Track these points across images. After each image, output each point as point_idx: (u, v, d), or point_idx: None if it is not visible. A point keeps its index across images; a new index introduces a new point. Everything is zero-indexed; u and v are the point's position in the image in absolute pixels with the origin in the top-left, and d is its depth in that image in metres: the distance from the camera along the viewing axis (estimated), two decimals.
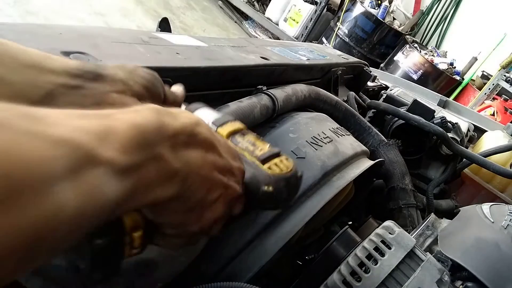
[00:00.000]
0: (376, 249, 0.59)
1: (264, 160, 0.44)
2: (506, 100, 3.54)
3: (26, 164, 0.21)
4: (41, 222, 0.22)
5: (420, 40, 4.59)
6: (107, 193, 0.26)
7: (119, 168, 0.27)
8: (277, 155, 0.45)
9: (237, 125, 0.47)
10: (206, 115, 0.48)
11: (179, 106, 0.51)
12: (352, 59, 1.42)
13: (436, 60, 3.96)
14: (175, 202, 0.35)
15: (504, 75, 3.61)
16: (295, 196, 0.46)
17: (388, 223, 0.65)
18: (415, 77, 3.77)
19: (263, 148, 0.45)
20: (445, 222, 0.80)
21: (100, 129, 0.27)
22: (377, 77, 1.63)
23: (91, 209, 0.25)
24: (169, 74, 0.61)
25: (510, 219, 0.72)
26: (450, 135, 1.19)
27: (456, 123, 1.29)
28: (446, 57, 4.15)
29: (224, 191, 0.39)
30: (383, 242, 0.60)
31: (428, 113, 1.19)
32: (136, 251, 0.36)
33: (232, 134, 0.46)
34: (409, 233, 0.64)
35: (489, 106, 3.49)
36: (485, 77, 3.99)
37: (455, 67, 4.01)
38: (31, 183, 0.21)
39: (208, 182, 0.37)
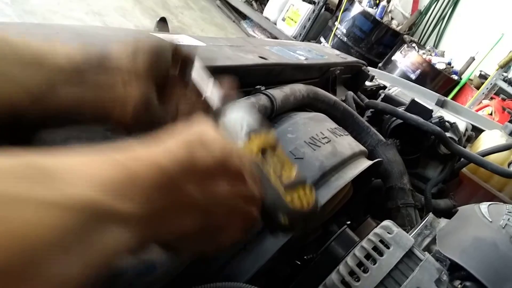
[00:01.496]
0: (375, 248, 0.59)
1: (289, 188, 0.42)
2: (504, 99, 3.54)
3: (32, 239, 0.20)
4: None
5: (418, 40, 4.60)
6: (118, 248, 0.25)
7: (136, 219, 0.26)
8: (303, 183, 0.43)
9: (271, 138, 0.44)
10: (241, 117, 0.45)
11: (192, 61, 0.50)
12: (350, 58, 1.42)
13: (434, 59, 3.96)
14: (196, 234, 0.34)
15: (502, 75, 3.62)
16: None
17: (387, 222, 0.64)
18: (413, 76, 3.77)
19: (290, 173, 0.43)
20: (443, 221, 0.80)
21: (119, 180, 0.25)
22: (375, 77, 1.63)
23: (97, 265, 0.24)
24: None
25: (508, 218, 0.72)
26: (448, 134, 1.19)
27: (454, 123, 1.29)
28: (444, 56, 4.15)
29: (244, 218, 0.38)
30: (381, 241, 0.60)
31: (426, 112, 1.19)
32: None
33: (263, 148, 0.43)
34: (407, 233, 0.64)
35: (487, 105, 3.49)
36: (483, 76, 3.99)
37: (453, 67, 4.02)
38: (32, 259, 0.20)
39: (231, 211, 0.36)
